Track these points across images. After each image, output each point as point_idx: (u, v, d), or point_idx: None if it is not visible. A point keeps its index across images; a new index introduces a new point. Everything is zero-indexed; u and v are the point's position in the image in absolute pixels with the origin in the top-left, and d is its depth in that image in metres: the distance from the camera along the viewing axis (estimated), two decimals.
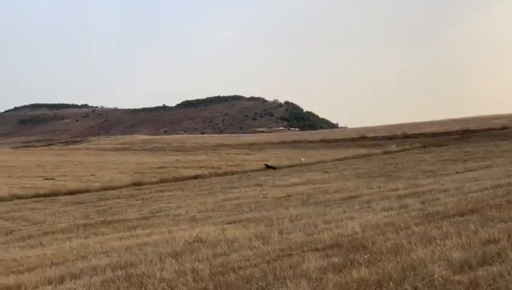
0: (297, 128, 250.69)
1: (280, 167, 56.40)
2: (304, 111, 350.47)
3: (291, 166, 57.28)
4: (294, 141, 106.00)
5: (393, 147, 72.88)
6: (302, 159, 62.14)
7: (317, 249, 10.50)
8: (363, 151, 71.23)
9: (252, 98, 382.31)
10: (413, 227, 11.34)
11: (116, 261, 11.81)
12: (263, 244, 11.99)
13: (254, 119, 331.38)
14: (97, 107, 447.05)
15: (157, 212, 27.31)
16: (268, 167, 56.15)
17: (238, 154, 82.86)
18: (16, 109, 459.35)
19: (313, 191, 29.28)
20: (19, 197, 39.76)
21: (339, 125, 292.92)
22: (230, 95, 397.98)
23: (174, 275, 9.51)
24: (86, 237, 20.04)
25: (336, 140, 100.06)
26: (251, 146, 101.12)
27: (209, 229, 15.71)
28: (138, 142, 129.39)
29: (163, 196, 36.23)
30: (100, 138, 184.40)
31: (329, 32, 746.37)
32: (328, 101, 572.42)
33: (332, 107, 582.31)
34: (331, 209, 18.85)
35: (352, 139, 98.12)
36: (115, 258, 12.50)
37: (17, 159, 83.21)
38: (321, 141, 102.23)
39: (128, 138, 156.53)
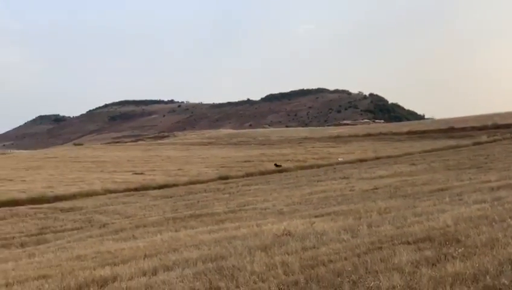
0: (382, 121, 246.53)
1: (366, 160, 55.74)
2: (389, 103, 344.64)
3: (378, 158, 56.52)
4: (380, 133, 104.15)
5: (483, 138, 70.57)
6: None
7: (408, 243, 10.31)
8: (451, 142, 69.45)
9: (336, 91, 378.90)
10: (509, 220, 10.95)
11: (206, 254, 11.98)
12: (352, 237, 11.88)
13: (339, 111, 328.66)
14: (183, 102, 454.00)
15: (244, 205, 27.56)
16: (277, 166, 54.31)
17: (323, 147, 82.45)
18: (105, 106, 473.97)
19: (401, 183, 28.80)
20: (111, 192, 41.00)
21: (426, 117, 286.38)
22: (314, 88, 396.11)
23: (264, 268, 9.57)
24: (176, 230, 20.46)
25: (423, 131, 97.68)
26: (336, 139, 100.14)
27: (297, 223, 15.71)
28: (223, 136, 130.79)
29: (249, 190, 36.52)
30: (186, 132, 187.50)
31: (413, 22, 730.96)
32: (414, 92, 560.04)
33: (418, 98, 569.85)
34: (420, 202, 18.46)
35: (440, 131, 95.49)
36: (205, 251, 12.68)
37: (108, 155, 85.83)
38: (408, 132, 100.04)
39: (213, 133, 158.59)
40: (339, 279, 8.11)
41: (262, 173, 48.86)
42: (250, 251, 11.35)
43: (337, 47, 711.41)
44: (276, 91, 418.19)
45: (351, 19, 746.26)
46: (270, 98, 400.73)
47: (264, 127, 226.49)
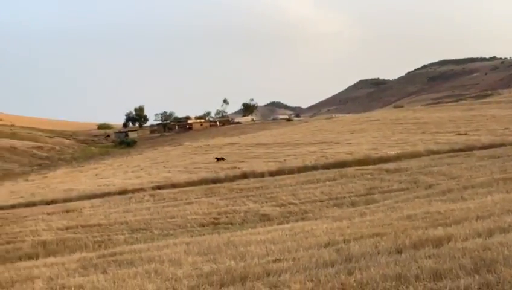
0: None
1: None
2: None
3: None
4: None
5: None
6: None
7: None
8: None
9: None
10: None
11: None
12: None
13: None
14: (506, 58, 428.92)
15: None
16: (218, 159, 48.05)
17: None
18: (424, 66, 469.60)
19: None
20: (434, 153, 40.69)
21: None
22: None
23: None
24: (507, 191, 19.61)
25: None
26: None
27: None
28: None
29: None
30: (511, 90, 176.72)
31: None
32: None
33: None
34: None
35: None
36: None
37: (429, 116, 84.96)
38: None
39: None
40: None
41: None
42: None
43: None
44: None
45: None
46: None
47: None
